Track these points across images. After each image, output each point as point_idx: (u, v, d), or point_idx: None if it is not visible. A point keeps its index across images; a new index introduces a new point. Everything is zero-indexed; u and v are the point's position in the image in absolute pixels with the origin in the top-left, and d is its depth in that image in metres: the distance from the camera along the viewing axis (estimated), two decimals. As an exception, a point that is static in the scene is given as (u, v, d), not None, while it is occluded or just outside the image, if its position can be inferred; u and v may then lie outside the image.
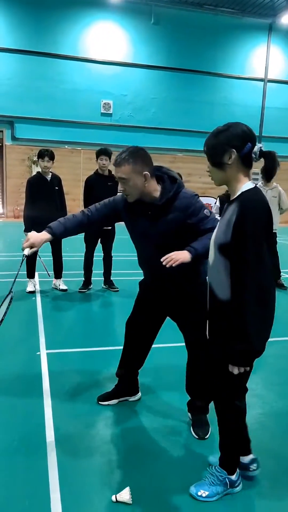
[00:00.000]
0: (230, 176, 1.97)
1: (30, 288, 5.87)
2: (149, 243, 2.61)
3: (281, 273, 6.82)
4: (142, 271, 2.87)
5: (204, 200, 2.93)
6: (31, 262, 5.83)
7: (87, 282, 6.12)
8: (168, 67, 16.23)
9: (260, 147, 1.97)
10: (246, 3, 15.89)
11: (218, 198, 6.68)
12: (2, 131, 15.29)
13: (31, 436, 2.65)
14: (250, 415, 2.53)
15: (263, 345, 1.92)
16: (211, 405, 2.81)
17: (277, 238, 6.46)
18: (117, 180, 2.52)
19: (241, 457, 2.30)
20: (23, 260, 2.67)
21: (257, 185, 2.11)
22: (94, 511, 2.10)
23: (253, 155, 1.96)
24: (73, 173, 14.67)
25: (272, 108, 17.43)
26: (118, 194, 2.73)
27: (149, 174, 2.44)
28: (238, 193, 1.95)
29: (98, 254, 6.13)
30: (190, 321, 2.73)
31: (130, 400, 3.13)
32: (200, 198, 2.63)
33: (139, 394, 3.18)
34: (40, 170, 5.83)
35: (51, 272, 6.13)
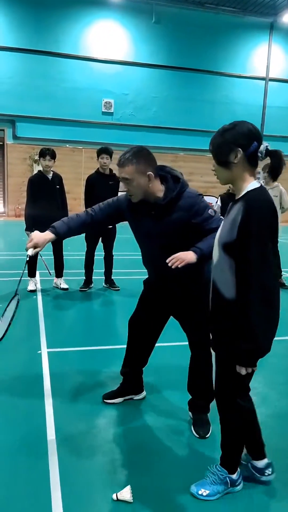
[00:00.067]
0: (235, 175, 1.96)
1: (31, 287, 5.88)
2: (153, 243, 2.60)
3: (282, 272, 6.83)
4: (145, 270, 2.87)
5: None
6: (32, 261, 5.84)
7: (88, 281, 6.13)
8: (169, 66, 16.23)
9: (266, 146, 1.95)
10: (247, 2, 15.89)
11: (219, 197, 6.66)
12: (3, 130, 15.30)
13: (32, 435, 2.65)
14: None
15: (269, 344, 1.91)
16: (212, 404, 2.82)
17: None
18: (121, 181, 2.51)
19: (255, 461, 2.29)
20: (27, 260, 2.66)
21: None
22: (95, 509, 2.10)
23: (259, 154, 1.95)
24: (74, 172, 14.69)
25: (273, 107, 17.43)
26: (122, 193, 2.72)
27: (152, 174, 2.43)
28: (244, 192, 1.93)
29: (99, 253, 6.13)
30: (194, 321, 2.72)
31: (135, 398, 3.13)
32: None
33: (144, 393, 3.18)
34: (41, 169, 5.83)
35: (52, 271, 6.14)
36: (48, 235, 2.60)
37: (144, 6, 15.58)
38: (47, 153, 5.61)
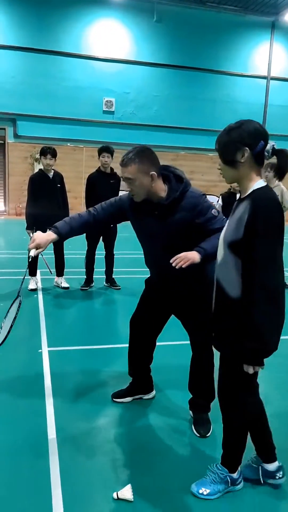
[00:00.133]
0: (242, 175, 1.94)
1: (32, 285, 5.88)
2: (156, 243, 2.60)
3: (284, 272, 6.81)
4: (146, 269, 2.86)
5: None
6: (33, 260, 5.83)
7: (89, 280, 6.13)
8: (170, 65, 16.21)
9: (273, 145, 1.94)
10: (249, 1, 15.87)
11: (220, 197, 6.66)
12: (4, 129, 15.29)
13: (33, 434, 2.65)
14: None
15: (275, 343, 1.89)
16: (213, 404, 2.82)
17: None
18: (123, 180, 2.50)
19: (266, 464, 2.27)
20: (29, 261, 2.66)
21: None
22: (95, 508, 2.10)
23: (266, 153, 1.93)
24: (75, 170, 14.69)
25: (275, 106, 17.40)
26: (124, 193, 2.71)
27: (155, 174, 2.42)
28: (250, 191, 1.92)
29: (100, 252, 6.13)
30: (197, 321, 2.72)
31: (144, 398, 3.13)
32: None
33: (154, 392, 3.17)
34: (42, 167, 5.83)
35: (53, 270, 6.14)
36: (51, 235, 2.59)
37: (145, 4, 15.56)
38: (48, 152, 5.61)
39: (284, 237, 1.90)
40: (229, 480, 2.20)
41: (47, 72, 15.05)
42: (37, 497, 2.14)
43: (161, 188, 2.49)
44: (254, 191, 1.90)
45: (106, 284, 6.29)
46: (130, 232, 2.75)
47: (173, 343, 3.70)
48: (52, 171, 5.80)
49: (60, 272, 6.11)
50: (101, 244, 6.12)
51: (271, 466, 2.28)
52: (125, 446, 2.60)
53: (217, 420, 2.72)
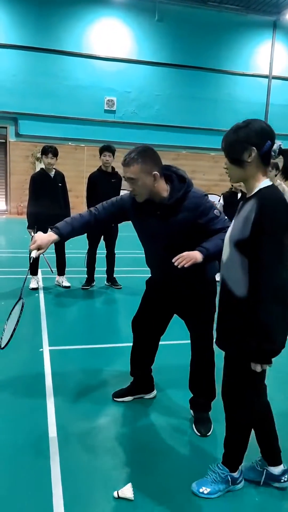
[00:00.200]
0: (249, 174, 1.94)
1: (33, 285, 5.88)
2: (157, 243, 2.59)
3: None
4: (147, 268, 2.86)
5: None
6: (34, 260, 5.83)
7: (90, 279, 6.13)
8: (172, 64, 16.19)
9: (280, 144, 1.93)
10: (250, 0, 15.82)
11: (221, 196, 6.65)
12: (6, 128, 15.29)
13: (34, 433, 2.65)
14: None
15: (283, 342, 1.88)
16: (214, 403, 2.82)
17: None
18: (126, 180, 2.49)
19: (271, 467, 2.27)
20: (31, 262, 2.66)
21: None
22: (96, 506, 2.11)
23: (272, 153, 1.92)
24: (77, 169, 14.69)
25: (276, 105, 17.36)
26: (125, 193, 2.70)
27: (158, 174, 2.42)
28: (256, 190, 1.92)
29: (101, 251, 6.14)
30: (199, 320, 2.72)
31: (145, 397, 3.13)
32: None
33: (155, 392, 3.17)
34: (43, 166, 5.83)
35: (54, 269, 6.15)
36: (52, 236, 2.58)
37: (147, 4, 15.54)
38: (49, 151, 5.62)
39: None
40: (229, 480, 2.20)
41: (49, 71, 15.04)
42: (38, 496, 2.14)
43: (163, 188, 2.48)
44: (260, 190, 1.90)
45: (107, 283, 6.29)
46: (131, 232, 2.75)
47: (174, 342, 3.69)
48: (54, 170, 5.80)
49: (61, 271, 6.11)
50: (102, 243, 6.12)
51: (277, 470, 2.27)
52: (125, 445, 2.61)
53: (217, 419, 2.73)
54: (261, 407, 2.19)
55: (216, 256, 2.41)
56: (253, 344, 1.86)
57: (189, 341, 2.83)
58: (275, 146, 1.92)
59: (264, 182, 1.92)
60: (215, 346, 2.25)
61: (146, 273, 2.92)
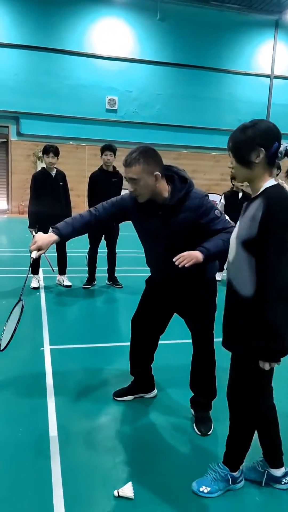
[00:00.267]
0: (256, 175, 1.93)
1: (34, 284, 5.89)
2: (158, 243, 2.59)
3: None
4: (148, 268, 2.86)
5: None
6: (35, 259, 5.84)
7: (91, 279, 6.14)
8: (173, 63, 16.17)
9: (286, 146, 1.92)
10: (252, -1, 15.83)
11: (223, 195, 6.65)
12: (7, 127, 15.30)
13: (35, 432, 2.66)
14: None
15: None
16: (214, 402, 2.82)
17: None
18: (127, 181, 2.49)
19: (272, 469, 2.27)
20: (31, 263, 2.65)
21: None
22: (96, 505, 2.11)
23: (279, 154, 1.92)
24: (78, 169, 14.68)
25: (278, 105, 17.33)
26: (126, 193, 2.70)
27: (159, 174, 2.41)
28: (261, 189, 1.92)
29: (102, 250, 6.14)
30: (199, 319, 2.73)
31: (146, 397, 3.13)
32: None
33: (155, 391, 3.18)
34: (45, 166, 5.84)
35: (55, 268, 6.15)
36: (52, 237, 2.58)
37: (148, 3, 15.52)
38: (50, 150, 5.62)
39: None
40: (230, 479, 2.20)
41: (50, 70, 15.04)
42: (38, 495, 2.15)
43: (164, 189, 2.48)
44: (266, 189, 1.90)
45: (108, 283, 6.29)
46: (132, 231, 2.75)
47: (174, 341, 3.70)
48: (55, 169, 5.80)
49: (62, 271, 6.12)
50: (103, 242, 6.12)
51: (278, 472, 2.27)
52: (126, 444, 2.61)
53: (218, 419, 2.74)
54: (266, 409, 2.19)
55: (216, 256, 2.41)
56: (260, 344, 1.86)
57: (190, 341, 2.83)
58: (282, 148, 1.91)
59: (269, 182, 1.92)
60: (220, 347, 2.24)
61: (147, 272, 2.92)
